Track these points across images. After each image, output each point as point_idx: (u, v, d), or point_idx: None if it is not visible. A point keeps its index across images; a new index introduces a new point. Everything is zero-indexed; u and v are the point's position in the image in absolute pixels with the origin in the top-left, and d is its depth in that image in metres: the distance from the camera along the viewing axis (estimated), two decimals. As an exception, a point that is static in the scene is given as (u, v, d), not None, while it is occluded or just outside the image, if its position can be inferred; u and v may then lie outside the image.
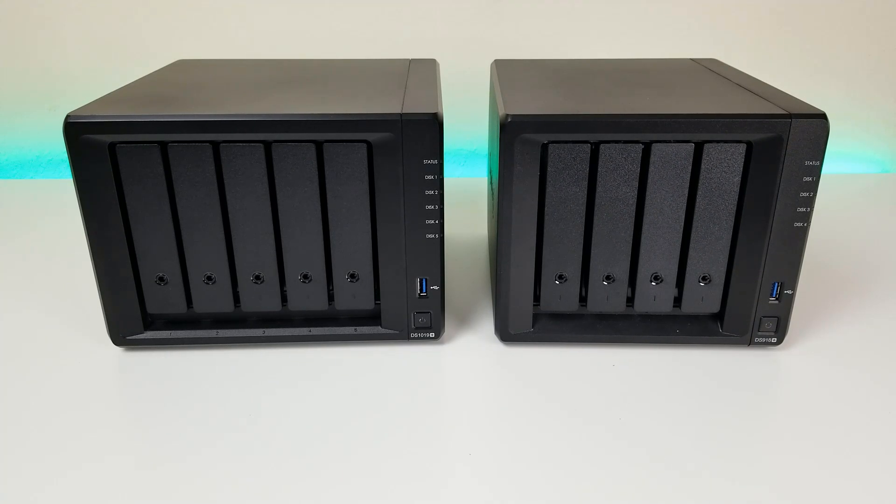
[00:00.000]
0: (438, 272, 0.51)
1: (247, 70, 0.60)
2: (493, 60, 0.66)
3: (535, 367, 0.52)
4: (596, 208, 0.48)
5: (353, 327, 0.53)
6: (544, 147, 0.47)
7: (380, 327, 0.53)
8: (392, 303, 0.52)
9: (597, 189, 0.48)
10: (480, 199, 0.77)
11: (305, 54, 0.87)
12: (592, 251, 0.50)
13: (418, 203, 0.48)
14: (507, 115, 0.46)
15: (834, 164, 0.96)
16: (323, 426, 0.45)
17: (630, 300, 0.52)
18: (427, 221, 0.49)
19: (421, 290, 0.52)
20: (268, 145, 0.47)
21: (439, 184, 0.48)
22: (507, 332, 0.53)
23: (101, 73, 0.90)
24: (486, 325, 0.57)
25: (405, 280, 0.51)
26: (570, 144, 0.47)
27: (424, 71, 0.60)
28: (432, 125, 0.46)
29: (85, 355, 0.53)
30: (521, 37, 0.89)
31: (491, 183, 0.63)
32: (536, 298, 0.52)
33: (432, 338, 0.53)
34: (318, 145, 0.47)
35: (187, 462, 0.42)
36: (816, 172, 0.47)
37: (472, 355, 0.53)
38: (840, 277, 0.65)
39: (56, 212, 0.81)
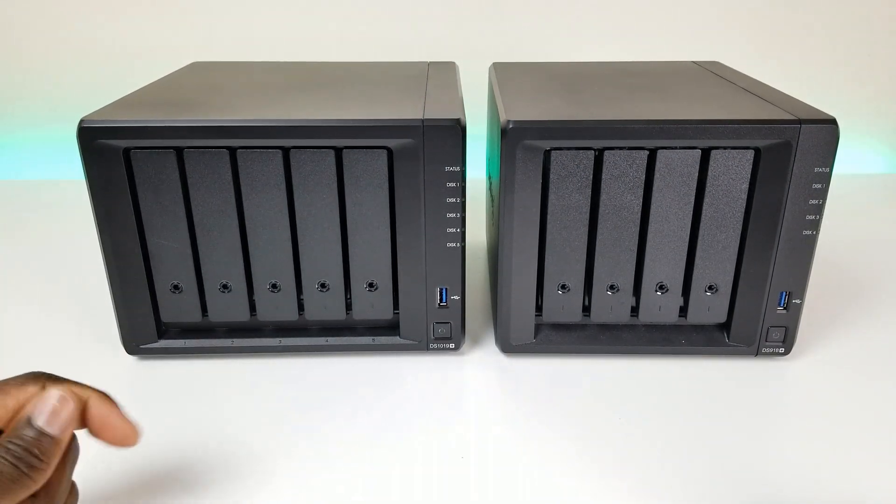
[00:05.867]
0: (459, 281, 0.50)
1: (262, 73, 0.59)
2: (491, 63, 0.65)
3: (537, 378, 0.50)
4: (599, 216, 0.47)
5: (371, 337, 0.52)
6: (546, 154, 0.46)
7: (398, 338, 0.52)
8: (411, 313, 0.51)
9: (600, 196, 0.47)
10: (477, 200, 0.76)
11: (302, 56, 0.85)
12: (596, 260, 0.49)
13: (439, 211, 0.47)
14: (509, 122, 0.45)
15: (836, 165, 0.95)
16: (327, 433, 0.44)
17: (634, 310, 0.51)
18: (448, 230, 0.48)
19: (441, 300, 0.50)
20: (286, 151, 0.46)
21: (461, 191, 0.47)
22: (509, 344, 0.52)
23: (111, 74, 0.89)
24: (486, 334, 0.56)
25: (425, 289, 0.50)
26: (573, 151, 0.46)
27: (444, 74, 0.59)
28: (455, 131, 0.45)
29: (97, 365, 0.51)
30: (519, 39, 0.88)
31: (490, 188, 0.61)
32: (538, 309, 0.51)
33: (452, 349, 0.52)
34: (338, 151, 0.46)
35: (200, 472, 0.41)
36: (826, 179, 0.46)
37: (472, 366, 0.52)
38: (848, 283, 0.64)
39: (65, 214, 0.79)
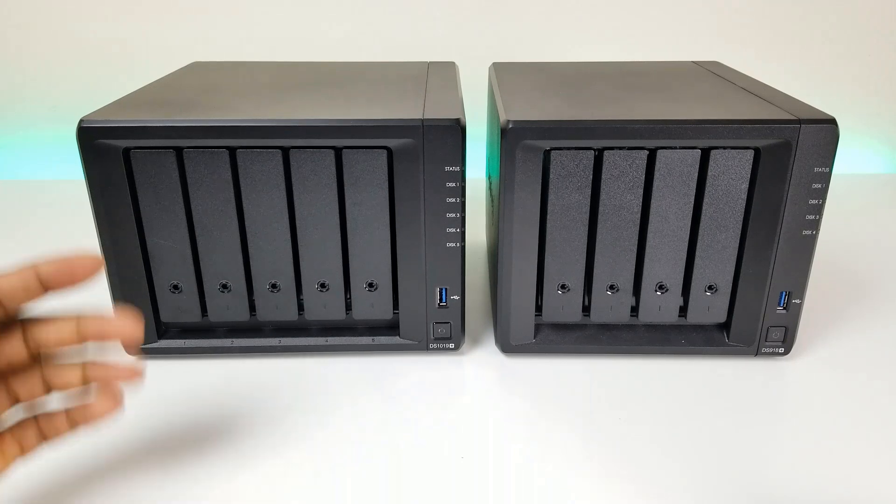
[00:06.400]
0: (459, 282, 0.50)
1: (262, 73, 0.59)
2: (491, 63, 0.65)
3: (537, 378, 0.50)
4: (599, 216, 0.47)
5: (371, 337, 0.52)
6: (546, 154, 0.46)
7: (398, 337, 0.52)
8: (411, 313, 0.51)
9: (600, 196, 0.47)
10: (477, 200, 0.76)
11: (302, 57, 0.85)
12: (596, 260, 0.49)
13: (439, 211, 0.47)
14: (508, 122, 0.45)
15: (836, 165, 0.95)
16: (327, 433, 0.44)
17: (634, 310, 0.51)
18: (448, 230, 0.48)
19: (441, 300, 0.50)
20: (286, 151, 0.46)
21: (461, 191, 0.47)
22: (509, 344, 0.52)
23: (111, 74, 0.88)
24: (486, 334, 0.56)
25: (425, 289, 0.50)
26: (572, 151, 0.46)
27: (444, 74, 0.59)
28: (455, 131, 0.45)
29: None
30: (519, 39, 0.88)
31: (490, 188, 0.61)
32: (538, 309, 0.51)
33: (451, 349, 0.52)
34: (338, 151, 0.46)
35: (200, 472, 0.41)
36: (826, 179, 0.46)
37: (472, 366, 0.52)
38: (848, 283, 0.64)
39: (65, 214, 0.79)
